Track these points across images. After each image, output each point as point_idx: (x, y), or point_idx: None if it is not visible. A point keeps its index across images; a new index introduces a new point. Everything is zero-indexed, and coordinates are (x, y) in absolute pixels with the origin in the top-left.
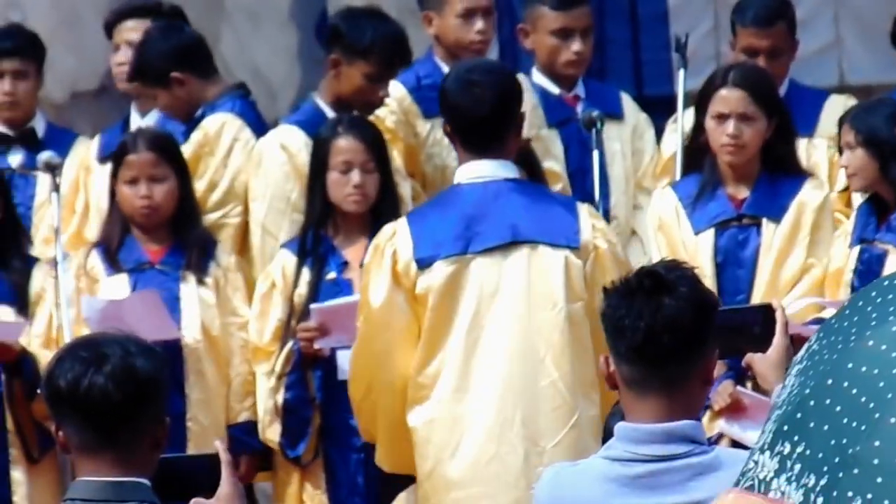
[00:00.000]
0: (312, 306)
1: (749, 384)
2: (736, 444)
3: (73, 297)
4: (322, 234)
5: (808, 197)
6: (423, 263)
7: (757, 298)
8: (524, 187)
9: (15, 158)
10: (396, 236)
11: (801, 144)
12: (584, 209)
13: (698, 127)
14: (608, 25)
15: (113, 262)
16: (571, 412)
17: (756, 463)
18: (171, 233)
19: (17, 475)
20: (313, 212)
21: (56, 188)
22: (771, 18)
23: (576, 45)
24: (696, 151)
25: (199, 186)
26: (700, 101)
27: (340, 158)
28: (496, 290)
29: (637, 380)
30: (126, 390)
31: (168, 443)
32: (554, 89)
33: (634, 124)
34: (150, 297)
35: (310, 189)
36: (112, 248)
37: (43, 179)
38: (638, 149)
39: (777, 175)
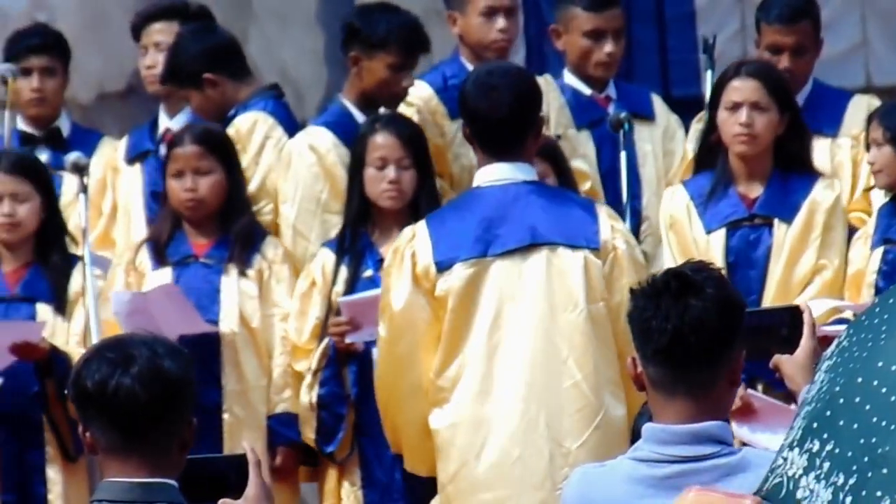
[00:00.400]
0: (340, 300)
1: (760, 386)
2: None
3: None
4: (361, 231)
5: (819, 197)
6: (443, 266)
7: (768, 299)
8: (543, 190)
9: (41, 158)
10: (416, 239)
11: (825, 144)
12: (602, 210)
13: (710, 124)
14: (635, 27)
15: (160, 257)
16: (595, 413)
17: (785, 460)
18: (218, 226)
19: (53, 474)
20: (351, 209)
21: (84, 189)
22: (796, 16)
23: (607, 47)
24: (709, 150)
25: None
26: (712, 97)
27: (376, 154)
28: (516, 292)
29: (664, 381)
30: (153, 391)
31: (204, 435)
32: (585, 90)
33: (665, 125)
34: (172, 291)
35: (348, 186)
36: (161, 243)
37: (70, 180)
38: (669, 150)
39: (789, 174)
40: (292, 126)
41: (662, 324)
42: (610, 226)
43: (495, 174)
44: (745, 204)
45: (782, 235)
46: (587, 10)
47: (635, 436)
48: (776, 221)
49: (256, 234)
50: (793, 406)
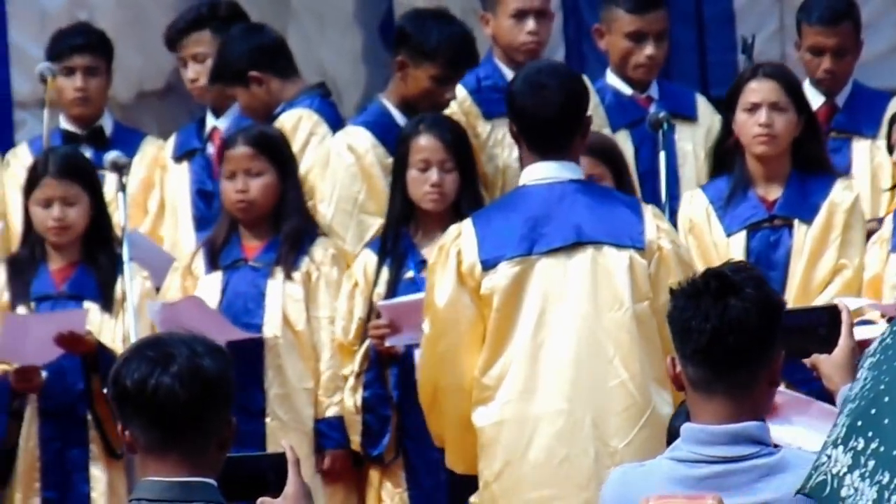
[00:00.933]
0: (380, 303)
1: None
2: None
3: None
4: (403, 232)
5: (838, 198)
6: (488, 264)
7: (789, 300)
8: (589, 188)
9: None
10: (461, 237)
11: (865, 146)
12: (648, 209)
13: (726, 128)
14: (674, 27)
15: (213, 261)
16: (642, 412)
17: (829, 457)
18: (271, 228)
19: (97, 472)
20: (394, 210)
21: (122, 188)
22: (837, 17)
23: (648, 49)
24: (726, 153)
25: None
26: (728, 100)
27: (419, 157)
28: (561, 291)
29: (703, 381)
30: (192, 390)
31: (247, 438)
32: (626, 90)
33: (708, 126)
34: (196, 302)
35: (391, 187)
36: (216, 247)
37: (111, 178)
38: (711, 151)
39: (807, 175)
40: (338, 125)
41: (702, 324)
42: (655, 225)
43: (542, 173)
44: (764, 206)
45: (802, 236)
46: (629, 12)
47: (672, 436)
48: (796, 222)
49: (305, 237)
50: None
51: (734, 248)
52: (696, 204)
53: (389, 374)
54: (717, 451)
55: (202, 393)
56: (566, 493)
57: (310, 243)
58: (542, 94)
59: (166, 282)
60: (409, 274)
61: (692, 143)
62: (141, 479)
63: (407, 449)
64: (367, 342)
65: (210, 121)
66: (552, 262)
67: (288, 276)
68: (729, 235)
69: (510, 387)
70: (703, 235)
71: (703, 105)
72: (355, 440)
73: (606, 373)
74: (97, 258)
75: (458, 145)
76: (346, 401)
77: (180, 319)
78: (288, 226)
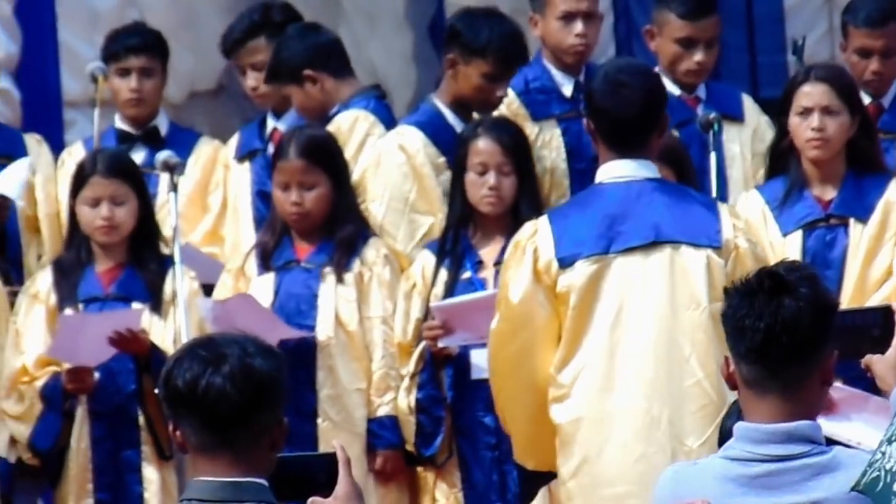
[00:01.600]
0: (433, 304)
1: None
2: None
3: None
4: (461, 233)
5: (894, 196)
6: (565, 262)
7: (845, 299)
8: (666, 187)
9: (137, 157)
10: (537, 234)
11: None
12: (724, 209)
13: (781, 130)
14: (724, 28)
15: (265, 262)
16: (717, 411)
17: (883, 454)
18: (323, 232)
19: (149, 473)
20: (453, 212)
21: (174, 188)
22: (884, 18)
23: (698, 55)
24: (781, 154)
25: None
26: (783, 102)
27: (477, 160)
28: (638, 289)
29: (756, 380)
30: (244, 390)
31: (299, 439)
32: (675, 90)
33: (755, 127)
34: (248, 300)
35: (451, 189)
36: (268, 249)
37: (163, 179)
38: (758, 151)
39: (862, 174)
40: (393, 126)
41: (755, 322)
42: (732, 224)
43: (619, 171)
44: (820, 205)
45: (858, 235)
46: (681, 18)
47: (724, 436)
48: (852, 221)
49: (359, 240)
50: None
51: (790, 247)
52: (752, 204)
53: (444, 374)
54: (770, 449)
55: (253, 393)
56: (642, 490)
57: (362, 244)
58: (621, 92)
59: (220, 280)
60: (467, 274)
61: (739, 143)
62: (192, 480)
63: (461, 448)
64: (423, 343)
65: (271, 122)
66: (629, 261)
67: (340, 279)
68: (785, 235)
69: (587, 384)
70: (760, 235)
71: (749, 105)
72: (409, 440)
73: (683, 372)
74: (144, 259)
75: (517, 148)
76: (401, 401)
77: (232, 317)
78: (342, 232)
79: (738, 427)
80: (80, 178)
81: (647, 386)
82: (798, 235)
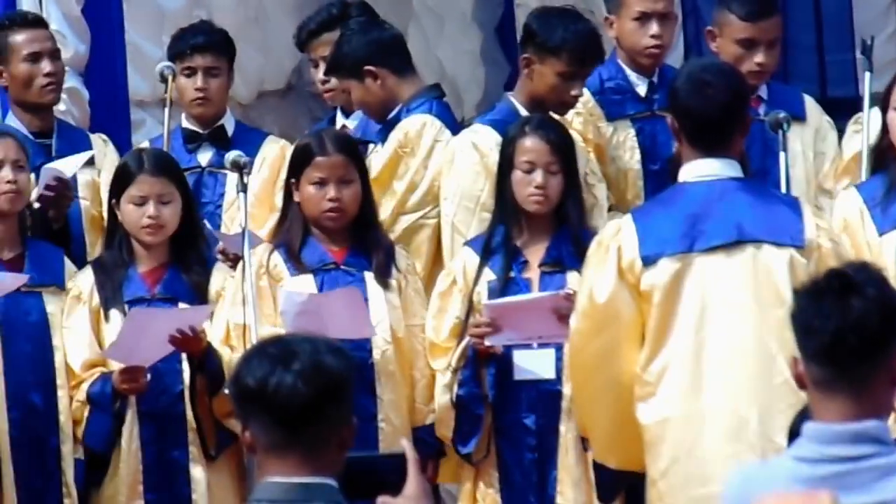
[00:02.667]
0: (484, 303)
1: None
2: None
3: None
4: (507, 232)
5: None
6: (649, 260)
7: None
8: (749, 186)
9: (204, 157)
10: (621, 233)
11: None
12: (807, 208)
13: (883, 128)
14: (792, 28)
15: (296, 263)
16: None
17: None
18: (350, 235)
19: (197, 473)
20: (498, 210)
21: (244, 188)
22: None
23: (759, 57)
24: (881, 152)
25: (399, 187)
26: (883, 99)
27: (524, 158)
28: (722, 288)
29: (825, 380)
30: (315, 388)
31: (359, 444)
32: None
33: (817, 126)
34: (353, 295)
35: (497, 187)
36: (294, 249)
37: (232, 178)
38: (820, 151)
39: None
40: (454, 127)
41: (824, 323)
42: (815, 224)
43: (702, 170)
44: None
45: None
46: (742, 19)
47: (794, 436)
48: None
49: (390, 246)
50: None
51: (887, 247)
52: (850, 203)
53: (486, 373)
54: (839, 450)
55: (324, 391)
56: None
57: (393, 252)
58: (705, 91)
59: (248, 282)
60: (511, 274)
61: (801, 143)
62: (261, 481)
63: (501, 449)
64: (466, 340)
65: (340, 120)
66: (712, 260)
67: (384, 285)
68: (881, 234)
69: (674, 384)
70: (857, 235)
71: (811, 105)
72: (446, 435)
73: (771, 370)
74: (188, 260)
75: (564, 148)
76: (441, 396)
77: (320, 312)
78: (375, 233)
79: (808, 427)
80: (125, 177)
81: (735, 385)
82: (894, 235)
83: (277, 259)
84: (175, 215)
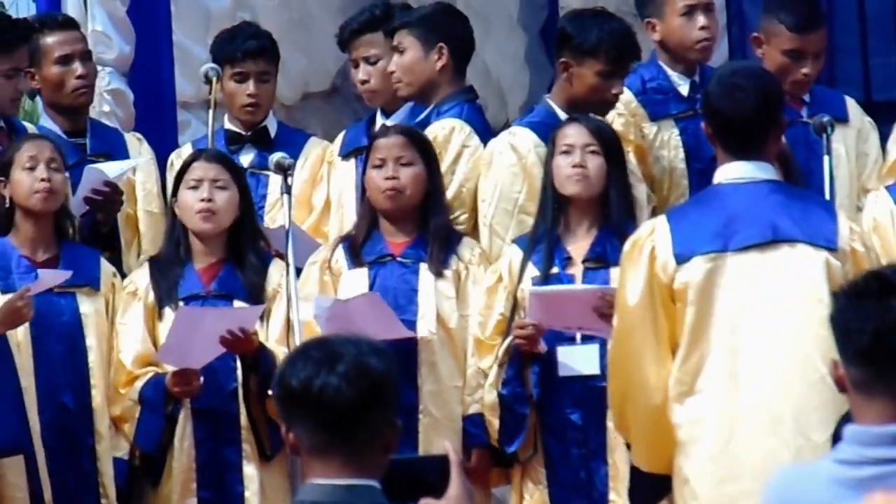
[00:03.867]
0: (530, 289)
1: None
2: None
3: (311, 294)
4: (550, 229)
5: None
6: (682, 259)
7: None
8: (784, 189)
9: (247, 158)
10: (656, 233)
11: None
12: (842, 212)
13: None
14: (837, 32)
15: (355, 256)
16: (843, 406)
17: None
18: (416, 224)
19: (250, 471)
20: (543, 205)
21: (287, 189)
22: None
23: (805, 68)
24: None
25: None
26: None
27: (564, 142)
28: (757, 286)
29: (865, 382)
30: (359, 389)
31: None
32: None
33: (859, 128)
34: (374, 300)
35: (542, 184)
36: (357, 243)
37: (274, 179)
38: (862, 152)
39: None
40: (486, 131)
41: (863, 325)
42: (849, 227)
43: (736, 172)
44: None
45: None
46: (791, 31)
47: (836, 440)
48: None
49: (453, 235)
50: None
51: None
52: (880, 203)
53: (530, 372)
54: (880, 452)
55: (368, 392)
56: None
57: (457, 241)
58: (736, 95)
59: (304, 274)
60: (554, 270)
61: (844, 144)
62: (305, 483)
63: (548, 446)
64: (510, 338)
65: (380, 119)
66: (747, 259)
67: (439, 274)
68: None
69: (709, 382)
70: (888, 235)
71: (852, 107)
72: (493, 436)
73: (806, 367)
74: (244, 257)
75: (605, 134)
76: (486, 397)
77: (350, 316)
78: (436, 222)
79: (848, 430)
80: (183, 169)
81: (771, 382)
82: None
83: (340, 253)
84: (230, 205)
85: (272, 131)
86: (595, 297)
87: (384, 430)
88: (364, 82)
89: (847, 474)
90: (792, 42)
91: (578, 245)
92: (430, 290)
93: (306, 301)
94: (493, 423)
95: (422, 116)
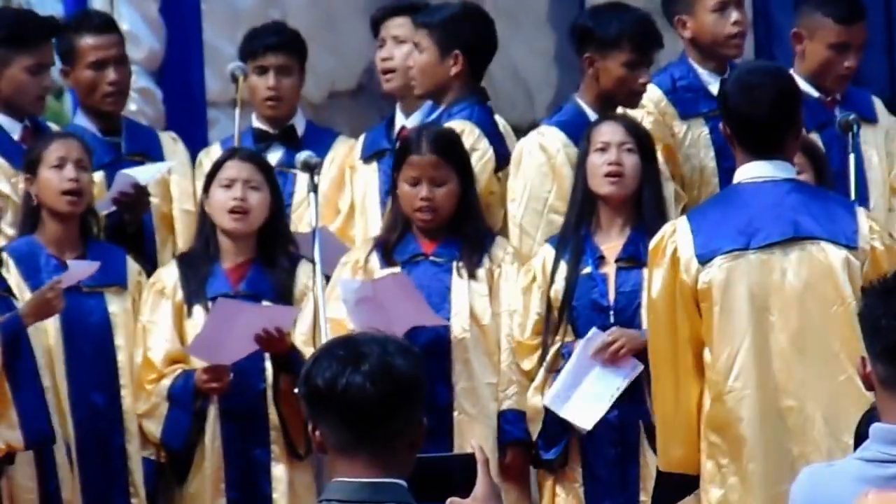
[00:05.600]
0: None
1: None
2: None
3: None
4: (582, 226)
5: None
6: (704, 258)
7: None
8: (803, 188)
9: (274, 156)
10: (677, 233)
11: None
12: (861, 210)
13: None
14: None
15: (388, 257)
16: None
17: None
18: (447, 229)
19: (278, 472)
20: (575, 202)
21: (314, 188)
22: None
23: (849, 61)
24: None
25: None
26: None
27: (599, 140)
28: (781, 285)
29: (892, 380)
30: (384, 389)
31: (435, 433)
32: (813, 92)
33: (888, 128)
34: (401, 280)
35: (574, 182)
36: (390, 244)
37: (302, 178)
38: (890, 151)
39: None
40: (495, 133)
41: (891, 322)
42: (869, 226)
43: (756, 172)
44: None
45: None
46: (838, 23)
47: (860, 439)
48: None
49: (486, 238)
50: None
51: None
52: None
53: None
54: None
55: (393, 392)
56: None
57: (490, 242)
58: (754, 94)
59: (335, 275)
60: (587, 270)
61: (874, 146)
62: (331, 481)
63: (583, 445)
64: (559, 343)
65: (399, 119)
66: (769, 257)
67: (472, 275)
68: None
69: (737, 383)
70: None
71: (880, 107)
72: (533, 439)
73: (834, 368)
74: (274, 257)
75: (640, 133)
76: (531, 399)
77: (379, 297)
78: (470, 228)
79: (874, 428)
80: (215, 167)
81: (799, 384)
82: None
83: (374, 254)
84: (262, 205)
85: (300, 130)
86: (597, 352)
87: (410, 429)
88: (386, 59)
89: (873, 472)
90: (839, 35)
91: (612, 244)
92: (464, 288)
93: (337, 300)
94: (536, 427)
95: (433, 117)
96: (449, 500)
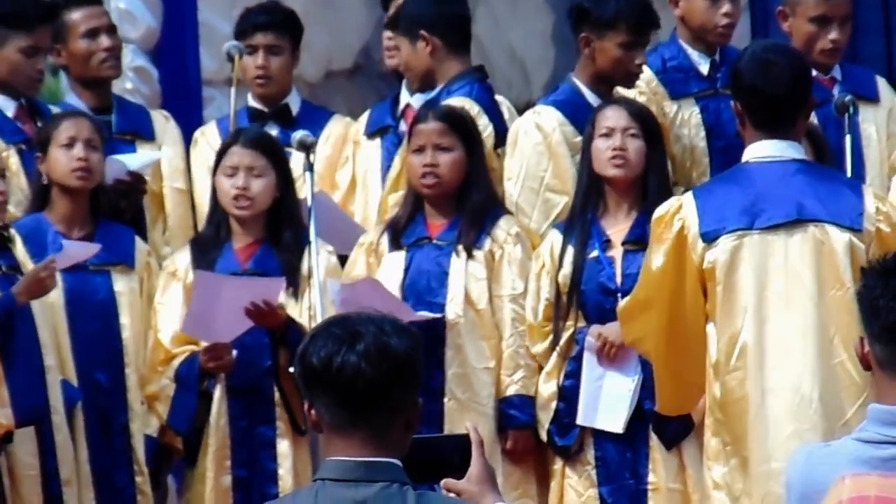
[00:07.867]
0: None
1: None
2: None
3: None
4: (588, 210)
5: None
6: (709, 237)
7: None
8: (811, 168)
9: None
10: (683, 209)
11: None
12: (869, 192)
13: None
14: (860, 9)
15: (396, 240)
16: (860, 392)
17: None
18: (456, 205)
19: (283, 449)
20: (581, 186)
21: (310, 167)
22: None
23: (832, 34)
24: None
25: None
26: None
27: (604, 124)
28: (782, 266)
29: (889, 360)
30: (379, 369)
31: (426, 418)
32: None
33: (890, 108)
34: (376, 284)
35: (580, 166)
36: (399, 226)
37: (297, 157)
38: (892, 132)
39: None
40: (495, 110)
41: (890, 302)
42: (876, 207)
43: (765, 151)
44: None
45: None
46: None
47: None
48: None
49: (487, 214)
50: None
51: None
52: None
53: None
54: None
55: (389, 371)
56: None
57: (493, 222)
58: (771, 70)
59: (352, 256)
60: (594, 254)
61: (875, 124)
62: (326, 459)
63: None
64: (570, 330)
65: (404, 97)
66: (773, 238)
67: (469, 255)
68: None
69: (738, 362)
70: None
71: (883, 86)
72: (543, 426)
73: (829, 351)
74: (282, 237)
75: (645, 117)
76: (542, 386)
77: (359, 300)
78: (470, 202)
79: (871, 409)
80: (221, 152)
81: (798, 364)
82: None
83: (384, 236)
84: (266, 191)
85: (295, 109)
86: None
87: (405, 409)
88: (390, 38)
89: (870, 453)
90: (817, 8)
91: (618, 228)
92: (461, 272)
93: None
94: (548, 413)
95: (432, 95)
96: (443, 480)
